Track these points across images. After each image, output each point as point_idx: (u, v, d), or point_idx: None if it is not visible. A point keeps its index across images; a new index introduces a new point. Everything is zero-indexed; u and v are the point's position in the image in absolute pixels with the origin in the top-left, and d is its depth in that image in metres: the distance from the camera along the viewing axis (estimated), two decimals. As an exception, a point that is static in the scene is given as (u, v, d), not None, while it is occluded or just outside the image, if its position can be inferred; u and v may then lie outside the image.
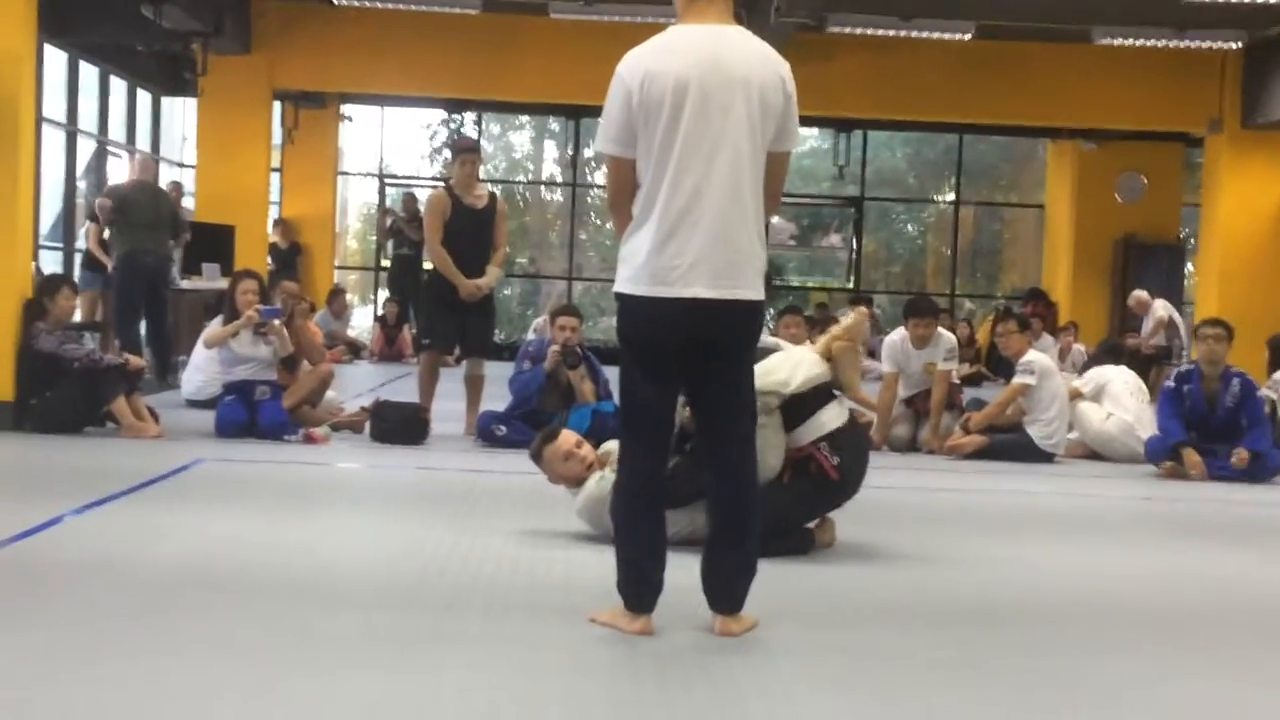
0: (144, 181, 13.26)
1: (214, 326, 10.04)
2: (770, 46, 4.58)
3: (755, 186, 4.45)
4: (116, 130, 18.79)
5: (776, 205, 4.67)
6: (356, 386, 13.53)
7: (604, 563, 4.81)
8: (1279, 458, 9.67)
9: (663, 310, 4.40)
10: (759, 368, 5.77)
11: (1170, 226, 21.51)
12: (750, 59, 4.46)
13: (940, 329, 10.85)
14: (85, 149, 17.92)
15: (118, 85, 18.67)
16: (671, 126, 4.36)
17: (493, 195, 10.33)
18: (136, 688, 3.85)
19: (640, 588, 4.53)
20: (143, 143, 19.59)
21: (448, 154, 25.13)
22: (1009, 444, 10.15)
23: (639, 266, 4.42)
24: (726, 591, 4.56)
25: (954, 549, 6.55)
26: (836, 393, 6.25)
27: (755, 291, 4.46)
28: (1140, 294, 18.12)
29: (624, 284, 4.47)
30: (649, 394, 4.51)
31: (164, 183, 17.61)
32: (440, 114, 25.41)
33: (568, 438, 6.32)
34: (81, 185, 17.78)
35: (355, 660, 4.17)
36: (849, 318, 6.62)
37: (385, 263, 21.79)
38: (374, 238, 23.28)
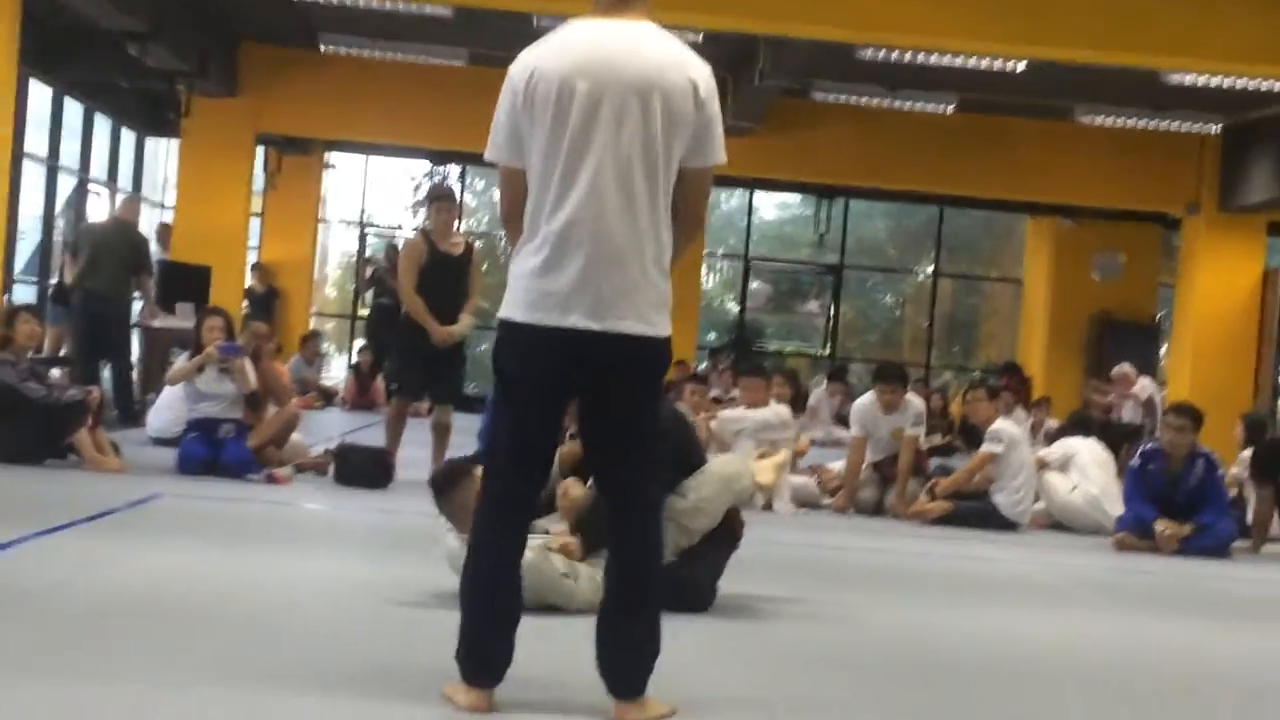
0: (120, 220, 13.34)
1: (179, 363, 10.01)
2: (690, 49, 4.00)
3: (656, 206, 3.89)
4: (99, 168, 18.79)
5: (696, 230, 4.11)
6: (327, 432, 13.45)
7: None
8: (1230, 529, 9.68)
9: (538, 341, 3.87)
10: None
11: (1146, 306, 21.61)
12: (656, 60, 3.89)
13: (909, 395, 10.86)
14: (66, 185, 17.91)
15: (102, 123, 18.70)
16: (556, 134, 3.85)
17: (469, 244, 10.33)
18: (58, 711, 3.81)
19: (477, 656, 3.96)
20: (125, 182, 19.60)
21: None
22: (974, 511, 10.12)
23: (519, 291, 3.91)
24: (624, 673, 3.96)
25: (912, 611, 6.52)
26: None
27: (650, 326, 3.88)
28: (1126, 368, 17.77)
29: (503, 308, 3.95)
30: (517, 437, 3.96)
31: (152, 224, 17.71)
32: (425, 166, 25.49)
33: None
34: (60, 222, 17.75)
35: (288, 690, 4.11)
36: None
37: (363, 311, 21.77)
38: (353, 286, 23.28)
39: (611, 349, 3.87)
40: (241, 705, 3.95)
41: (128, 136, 19.63)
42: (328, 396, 18.98)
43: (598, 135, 3.84)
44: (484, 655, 3.97)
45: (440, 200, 10.30)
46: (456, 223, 10.69)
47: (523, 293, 3.91)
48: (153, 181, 21.37)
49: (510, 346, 3.96)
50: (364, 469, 9.58)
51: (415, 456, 10.23)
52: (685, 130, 3.90)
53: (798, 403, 11.24)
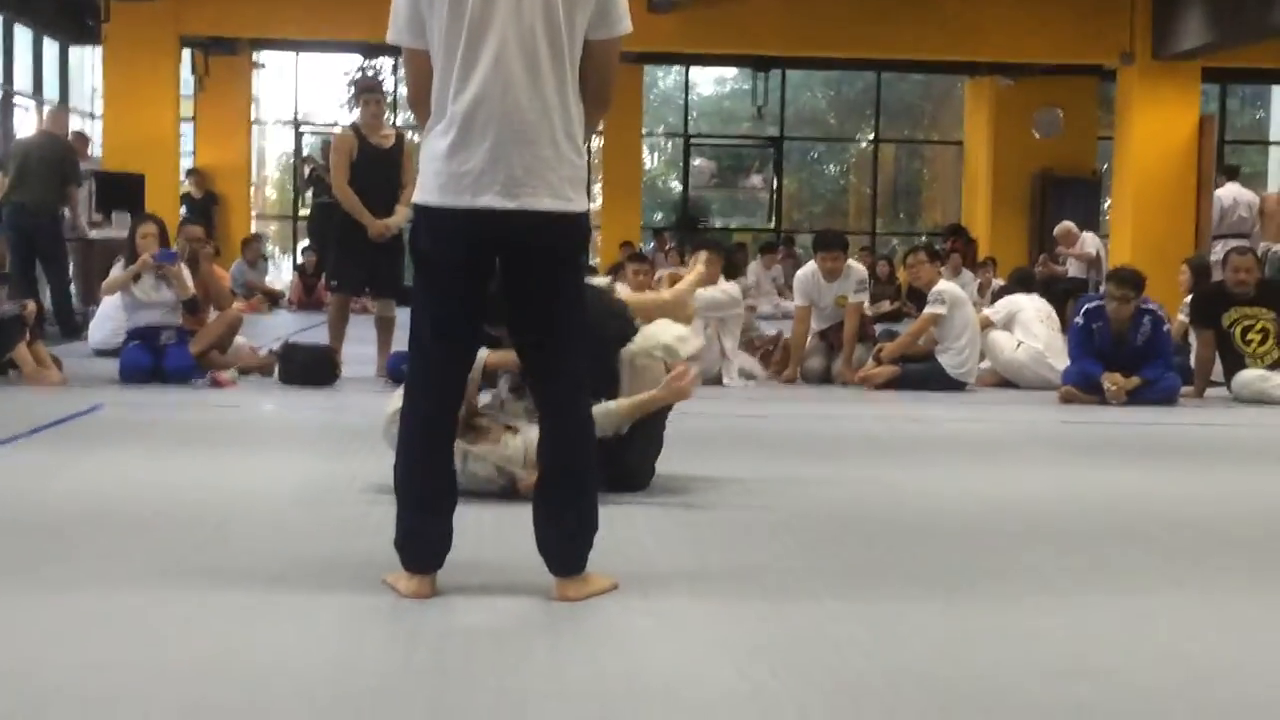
0: (48, 133, 13.20)
1: (114, 273, 9.90)
2: None
3: (563, 80, 3.88)
4: (23, 81, 18.43)
5: (605, 104, 4.06)
6: (275, 335, 13.37)
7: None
8: (1175, 381, 9.77)
9: (453, 224, 3.86)
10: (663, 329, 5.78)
11: (1086, 160, 21.64)
12: None
13: (851, 262, 10.87)
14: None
15: (22, 35, 18.31)
16: (456, 12, 3.81)
17: (400, 135, 10.23)
18: (12, 623, 3.81)
19: (415, 542, 3.99)
20: (51, 93, 19.23)
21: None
22: (921, 374, 10.18)
23: (430, 175, 3.90)
24: (563, 550, 4.00)
25: (860, 476, 6.56)
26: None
27: (564, 202, 3.88)
28: (1068, 225, 17.91)
29: (416, 193, 3.96)
30: (440, 321, 3.95)
31: (89, 136, 17.42)
32: (357, 60, 25.11)
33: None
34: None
35: (235, 588, 4.12)
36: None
37: (304, 211, 21.57)
38: (293, 187, 23.06)
39: (527, 227, 3.86)
40: (189, 605, 3.95)
41: (51, 47, 19.23)
42: (274, 299, 18.86)
43: (498, 11, 3.82)
44: (422, 541, 3.99)
45: (368, 93, 10.20)
46: (388, 115, 10.56)
47: (434, 176, 3.89)
48: (81, 93, 20.99)
49: (426, 231, 3.95)
50: (308, 367, 9.55)
51: (361, 353, 10.21)
52: (587, 2, 3.89)
53: (727, 275, 11.13)
